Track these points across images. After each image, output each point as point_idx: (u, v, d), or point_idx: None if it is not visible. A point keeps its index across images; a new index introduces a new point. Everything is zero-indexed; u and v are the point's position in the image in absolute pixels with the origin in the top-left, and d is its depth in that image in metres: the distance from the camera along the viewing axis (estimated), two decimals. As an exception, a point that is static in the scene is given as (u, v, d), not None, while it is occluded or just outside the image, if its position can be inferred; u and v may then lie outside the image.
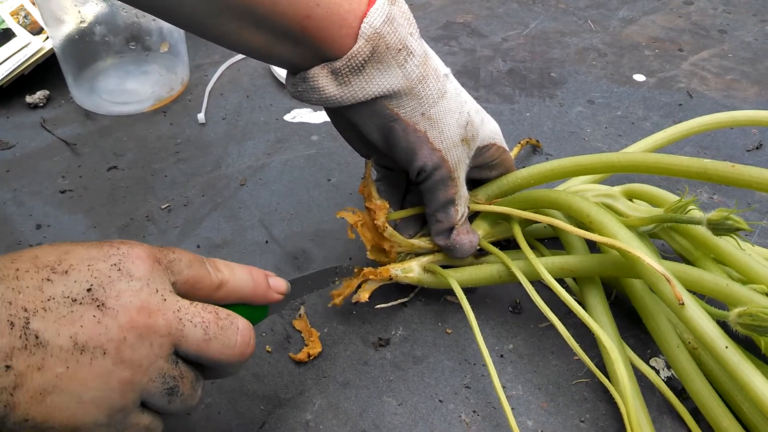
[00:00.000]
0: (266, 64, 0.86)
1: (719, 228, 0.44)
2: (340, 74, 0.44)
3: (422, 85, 0.47)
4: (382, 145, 0.50)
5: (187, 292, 0.39)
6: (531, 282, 0.51)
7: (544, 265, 0.51)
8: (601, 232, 0.47)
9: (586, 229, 0.49)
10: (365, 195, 0.53)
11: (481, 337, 0.49)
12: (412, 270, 0.54)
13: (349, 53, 0.43)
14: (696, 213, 0.46)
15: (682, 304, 0.42)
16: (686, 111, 0.80)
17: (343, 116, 0.49)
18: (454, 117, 0.50)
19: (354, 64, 0.44)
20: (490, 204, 0.56)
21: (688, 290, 0.43)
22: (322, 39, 0.43)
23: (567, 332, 0.48)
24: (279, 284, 0.45)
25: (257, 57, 0.46)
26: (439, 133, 0.49)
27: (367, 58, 0.44)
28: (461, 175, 0.52)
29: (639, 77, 0.87)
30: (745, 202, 0.68)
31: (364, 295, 0.53)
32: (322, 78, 0.44)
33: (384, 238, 0.53)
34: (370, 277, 0.53)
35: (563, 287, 0.58)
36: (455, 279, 0.53)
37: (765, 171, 0.45)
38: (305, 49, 0.44)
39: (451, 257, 0.55)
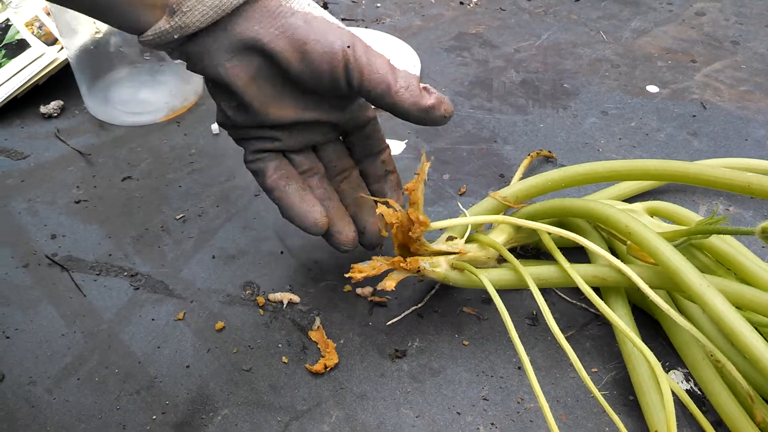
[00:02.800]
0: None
1: None
2: None
3: None
4: (290, 56, 0.45)
5: None
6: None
7: (577, 272, 0.50)
8: (639, 243, 0.47)
9: (622, 241, 0.48)
10: (412, 199, 0.50)
11: (515, 334, 0.49)
12: (439, 265, 0.52)
13: None
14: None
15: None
16: (700, 122, 0.80)
17: (228, 59, 0.45)
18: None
19: None
20: (519, 206, 0.55)
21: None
22: None
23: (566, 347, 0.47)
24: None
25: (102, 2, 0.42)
26: (332, 18, 0.47)
27: None
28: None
29: (652, 88, 0.87)
30: (762, 214, 0.68)
31: (390, 284, 0.51)
32: None
33: (413, 241, 0.52)
34: (400, 266, 0.51)
35: (580, 298, 0.58)
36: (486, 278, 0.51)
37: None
38: None
39: (434, 121, 0.48)
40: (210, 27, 0.44)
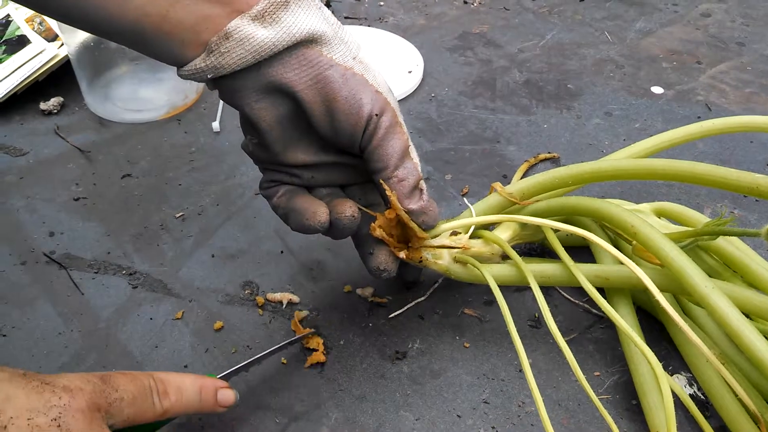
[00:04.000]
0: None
1: None
2: (266, 15, 0.41)
3: (342, 31, 0.45)
4: (316, 107, 0.45)
5: (128, 423, 0.39)
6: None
7: (581, 271, 0.49)
8: (645, 244, 0.46)
9: (628, 241, 0.47)
10: (402, 219, 0.48)
11: (517, 335, 0.48)
12: (442, 257, 0.51)
13: None
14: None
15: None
16: (705, 124, 0.79)
17: (257, 100, 0.45)
18: (375, 63, 0.47)
19: (278, 1, 0.41)
20: (526, 203, 0.54)
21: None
22: None
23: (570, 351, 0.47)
24: (227, 398, 0.45)
25: (143, 34, 0.41)
26: (374, 77, 0.46)
27: None
28: (404, 123, 0.48)
29: (657, 89, 0.86)
30: (766, 217, 0.67)
31: (401, 254, 0.50)
32: (246, 26, 0.41)
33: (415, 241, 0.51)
34: (401, 255, 0.49)
35: (583, 300, 0.58)
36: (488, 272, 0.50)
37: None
38: (210, 5, 0.41)
39: (423, 226, 0.49)
40: (244, 68, 0.43)
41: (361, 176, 0.51)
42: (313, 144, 0.48)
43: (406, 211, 0.47)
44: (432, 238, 0.51)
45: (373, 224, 0.48)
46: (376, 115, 0.45)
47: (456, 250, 0.52)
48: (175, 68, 0.44)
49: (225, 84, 0.44)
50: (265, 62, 0.43)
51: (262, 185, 0.51)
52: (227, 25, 0.41)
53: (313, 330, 0.54)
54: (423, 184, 0.48)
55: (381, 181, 0.46)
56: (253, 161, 0.51)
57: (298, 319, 0.56)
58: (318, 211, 0.47)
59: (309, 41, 0.43)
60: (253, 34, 0.41)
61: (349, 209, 0.47)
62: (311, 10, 0.43)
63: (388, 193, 0.46)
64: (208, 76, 0.43)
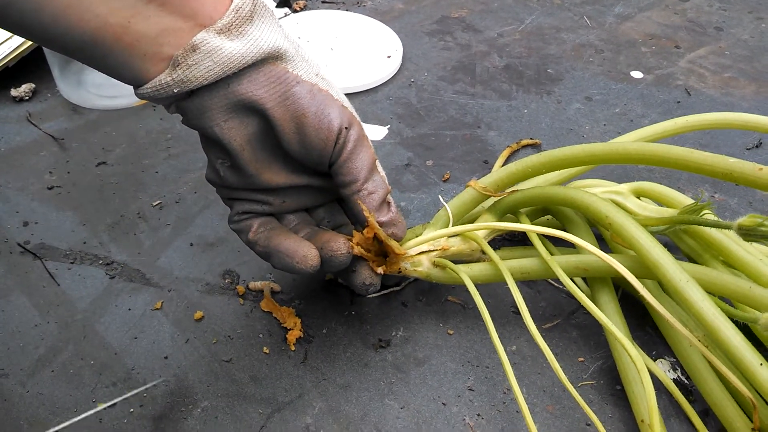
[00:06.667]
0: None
1: (752, 234, 0.43)
2: (232, 28, 0.40)
3: (302, 49, 0.45)
4: (286, 125, 0.44)
5: None
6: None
7: (559, 264, 0.49)
8: (620, 234, 0.46)
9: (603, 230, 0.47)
10: (380, 237, 0.48)
11: (494, 331, 0.48)
12: (421, 264, 0.51)
13: (234, 5, 0.40)
14: (709, 216, 0.45)
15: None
16: (684, 108, 0.80)
17: (226, 120, 0.44)
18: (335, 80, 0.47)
19: (243, 15, 0.40)
20: (502, 194, 0.54)
21: (708, 293, 0.42)
22: None
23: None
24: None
25: (102, 47, 0.39)
26: (337, 93, 0.46)
27: (252, 10, 0.41)
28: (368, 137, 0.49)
29: (636, 74, 0.86)
30: (746, 201, 0.67)
31: (380, 269, 0.50)
32: (213, 38, 0.40)
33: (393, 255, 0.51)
34: (379, 271, 0.49)
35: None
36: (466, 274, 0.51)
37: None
38: (173, 17, 0.39)
39: (395, 236, 0.49)
40: (211, 84, 0.42)
41: (327, 197, 0.52)
42: (283, 166, 0.47)
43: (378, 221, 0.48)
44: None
45: (351, 243, 0.48)
46: (346, 128, 0.45)
47: (435, 252, 0.52)
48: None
49: (192, 104, 0.43)
50: (234, 79, 0.42)
51: (232, 219, 0.50)
52: (193, 37, 0.40)
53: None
54: (390, 197, 0.49)
55: (358, 201, 0.46)
56: (219, 191, 0.50)
57: (268, 295, 0.55)
58: (308, 255, 0.46)
59: (274, 58, 0.43)
60: (221, 46, 0.40)
61: (343, 246, 0.46)
62: (273, 27, 0.43)
63: (365, 213, 0.46)
64: (174, 91, 0.41)
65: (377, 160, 0.48)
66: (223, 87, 0.42)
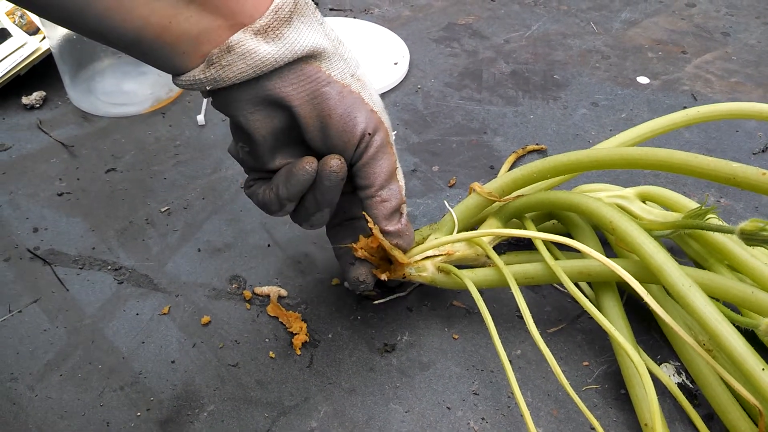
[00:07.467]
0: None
1: (754, 239, 0.43)
2: (269, 30, 0.41)
3: (343, 47, 0.45)
4: (311, 122, 0.45)
5: None
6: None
7: (563, 269, 0.49)
8: (623, 239, 0.46)
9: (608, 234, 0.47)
10: (384, 247, 0.49)
11: (497, 336, 0.48)
12: (425, 269, 0.52)
13: (274, 5, 0.41)
14: (714, 221, 0.45)
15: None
16: (691, 113, 0.79)
17: (252, 111, 0.44)
18: (372, 83, 0.47)
19: (282, 17, 0.41)
20: (506, 200, 0.54)
21: (712, 298, 0.42)
22: None
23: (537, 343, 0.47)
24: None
25: (143, 44, 0.40)
26: (370, 95, 0.46)
27: (292, 10, 0.41)
28: (394, 144, 0.49)
29: (643, 79, 0.86)
30: (752, 205, 0.67)
31: (383, 276, 0.51)
32: (249, 40, 0.40)
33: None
34: (382, 277, 0.50)
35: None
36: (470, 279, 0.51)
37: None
38: (213, 17, 0.40)
39: (400, 247, 0.50)
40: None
41: (346, 188, 0.52)
42: (303, 154, 0.48)
43: (381, 231, 0.48)
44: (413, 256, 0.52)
45: (354, 245, 0.49)
46: (369, 134, 0.45)
47: (440, 257, 0.52)
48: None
49: (220, 94, 0.44)
50: (264, 76, 0.42)
51: (247, 184, 0.51)
52: (229, 38, 0.40)
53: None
54: (404, 208, 0.49)
55: (370, 207, 0.47)
56: (239, 163, 0.51)
57: (275, 300, 0.55)
58: (304, 159, 0.46)
59: (309, 57, 0.43)
60: (256, 49, 0.40)
61: (335, 163, 0.46)
62: (313, 26, 0.43)
63: (370, 225, 0.47)
64: (207, 88, 0.42)
65: (399, 170, 0.49)
66: (253, 83, 0.43)
